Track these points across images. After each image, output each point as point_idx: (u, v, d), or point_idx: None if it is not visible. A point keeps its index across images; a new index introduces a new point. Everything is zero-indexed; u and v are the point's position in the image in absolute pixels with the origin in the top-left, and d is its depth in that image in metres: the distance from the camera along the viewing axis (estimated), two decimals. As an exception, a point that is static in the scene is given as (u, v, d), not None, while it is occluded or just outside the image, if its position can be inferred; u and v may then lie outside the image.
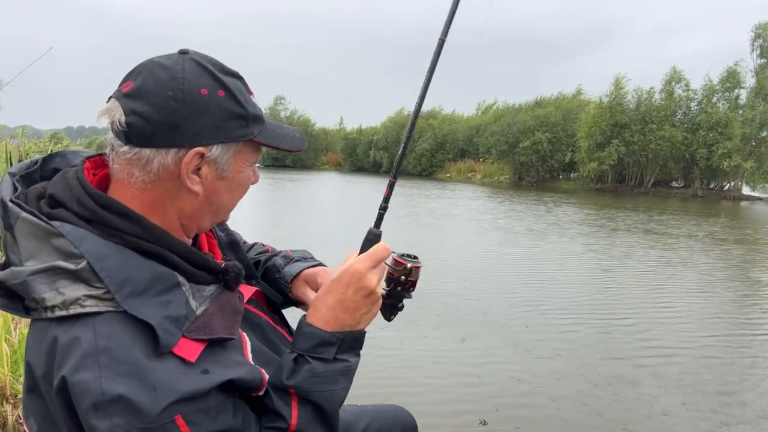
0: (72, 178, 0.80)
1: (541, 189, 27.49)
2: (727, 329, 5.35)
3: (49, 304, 0.71)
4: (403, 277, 0.96)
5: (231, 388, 0.75)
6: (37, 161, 0.86)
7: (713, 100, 28.14)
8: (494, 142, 33.25)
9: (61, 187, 0.79)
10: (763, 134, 26.56)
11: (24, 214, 0.74)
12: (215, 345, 0.76)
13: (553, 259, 8.73)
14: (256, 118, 0.85)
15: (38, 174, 0.85)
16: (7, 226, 0.76)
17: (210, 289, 0.82)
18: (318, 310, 0.87)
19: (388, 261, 0.94)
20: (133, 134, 0.77)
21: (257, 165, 0.93)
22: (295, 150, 0.91)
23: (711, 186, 28.93)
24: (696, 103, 28.88)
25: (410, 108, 1.08)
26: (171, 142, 0.78)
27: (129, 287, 0.72)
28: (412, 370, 3.93)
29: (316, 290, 1.05)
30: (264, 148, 0.89)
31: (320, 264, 1.15)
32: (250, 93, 0.86)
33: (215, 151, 0.80)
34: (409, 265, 0.96)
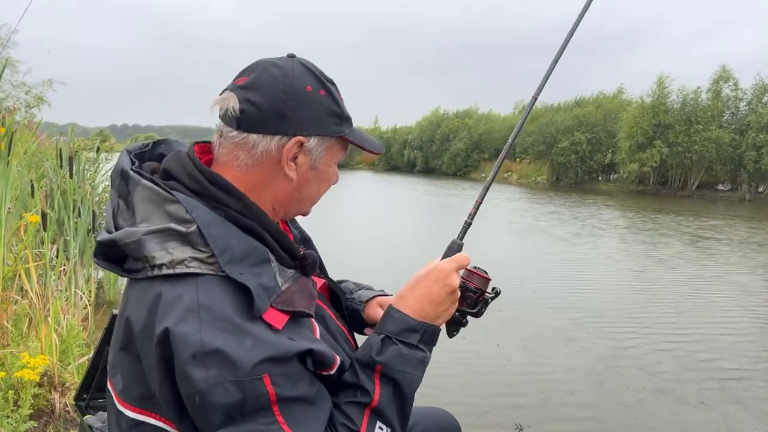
0: (184, 156, 0.90)
1: (580, 191, 26.93)
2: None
3: (157, 262, 0.78)
4: (475, 286, 1.04)
5: (307, 361, 0.81)
6: (148, 144, 0.97)
7: (764, 100, 26.99)
8: (531, 142, 32.74)
9: (174, 163, 0.89)
10: (818, 136, 25.30)
11: (144, 181, 0.84)
12: (295, 320, 0.83)
13: (598, 266, 8.52)
14: (348, 119, 0.96)
15: (148, 156, 0.96)
16: (122, 193, 0.85)
17: (291, 272, 0.89)
18: (405, 300, 0.95)
19: (462, 273, 1.04)
20: (244, 120, 0.87)
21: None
22: (377, 152, 1.01)
23: (760, 190, 27.77)
24: (745, 104, 27.75)
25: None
26: (277, 130, 0.87)
27: (229, 254, 0.79)
28: (450, 377, 3.89)
29: None
30: (348, 150, 0.99)
31: (389, 294, 1.24)
32: (342, 98, 0.96)
33: (312, 142, 0.90)
34: (487, 277, 1.06)
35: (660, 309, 5.98)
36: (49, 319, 2.76)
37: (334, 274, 1.18)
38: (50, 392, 2.61)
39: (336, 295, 1.14)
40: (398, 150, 46.61)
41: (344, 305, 1.17)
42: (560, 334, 4.92)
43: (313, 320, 0.89)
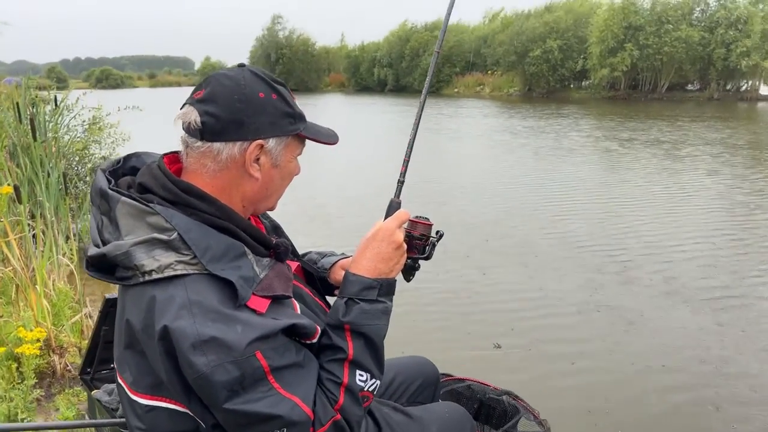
0: (156, 170, 0.98)
1: (552, 100, 26.86)
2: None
3: (147, 269, 0.87)
4: (419, 233, 1.16)
5: (292, 333, 0.93)
6: (119, 160, 1.05)
7: (733, -6, 26.66)
8: (503, 53, 32.14)
9: (148, 177, 0.97)
10: (785, 29, 25.31)
11: (123, 198, 0.92)
12: (277, 302, 0.94)
13: (569, 180, 8.71)
14: (301, 116, 1.04)
15: (121, 171, 1.03)
16: (105, 210, 0.93)
17: (266, 260, 0.99)
18: (359, 263, 1.06)
19: (406, 225, 1.15)
20: (206, 131, 0.95)
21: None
22: (332, 143, 1.10)
23: (727, 87, 28.04)
24: (715, -1, 27.41)
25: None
26: (237, 136, 0.96)
27: (210, 254, 0.88)
28: (428, 306, 4.08)
29: None
30: (306, 142, 1.07)
31: (350, 256, 1.32)
32: (293, 98, 1.05)
33: (271, 143, 0.99)
34: (428, 223, 1.17)
35: (623, 220, 6.27)
36: (37, 286, 2.80)
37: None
38: (49, 354, 2.71)
39: (310, 273, 1.28)
40: (367, 69, 45.39)
41: (309, 269, 1.29)
42: (536, 252, 5.14)
43: (293, 300, 1.00)
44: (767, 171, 9.03)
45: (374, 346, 1.01)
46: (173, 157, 1.05)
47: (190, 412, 0.91)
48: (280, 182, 1.05)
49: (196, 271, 0.87)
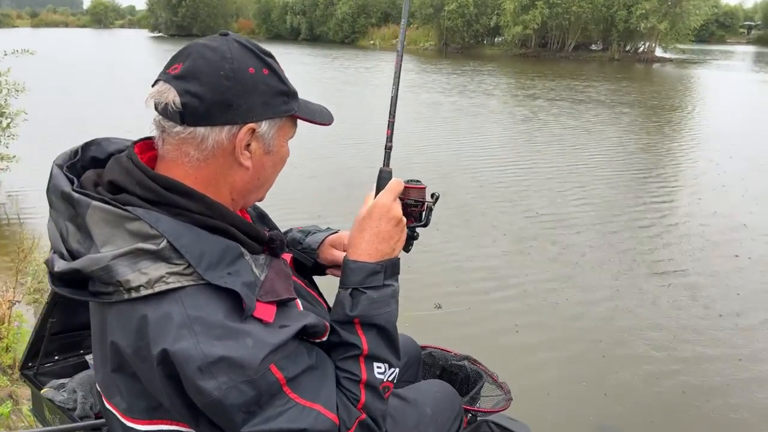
0: (127, 163, 0.83)
1: (468, 56, 27.20)
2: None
3: (133, 285, 0.74)
4: (414, 199, 1.06)
5: (301, 335, 0.84)
6: (77, 151, 0.88)
7: (636, -43, 27.93)
8: (419, 5, 31.83)
9: (119, 174, 0.82)
10: (679, -6, 27.02)
11: (95, 203, 0.77)
12: (281, 305, 0.83)
13: (497, 140, 8.93)
14: (295, 94, 0.91)
15: (80, 164, 0.87)
16: (70, 216, 0.78)
17: (262, 258, 0.88)
18: (358, 247, 0.96)
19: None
20: (188, 114, 0.80)
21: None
22: (328, 124, 0.98)
23: (627, 49, 29.72)
24: (619, -39, 28.58)
25: None
26: (225, 120, 0.82)
27: (206, 261, 0.77)
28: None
29: (344, 250, 1.14)
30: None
31: (337, 231, 1.24)
32: (283, 71, 0.92)
33: (264, 126, 0.86)
34: (422, 186, 1.07)
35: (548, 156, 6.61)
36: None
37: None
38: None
39: (299, 262, 1.17)
40: (279, 16, 43.42)
41: (300, 257, 1.19)
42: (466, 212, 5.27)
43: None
44: (653, 125, 9.80)
45: (388, 335, 0.94)
46: (145, 144, 0.89)
47: None
48: (272, 170, 0.93)
49: (192, 282, 0.76)
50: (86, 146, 0.89)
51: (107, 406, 0.86)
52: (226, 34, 0.87)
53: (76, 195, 0.78)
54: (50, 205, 0.82)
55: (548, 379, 2.85)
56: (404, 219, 1.00)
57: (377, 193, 1.01)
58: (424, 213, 1.07)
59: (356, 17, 37.61)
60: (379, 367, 0.92)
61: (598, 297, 3.70)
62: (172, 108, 0.80)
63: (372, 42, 35.85)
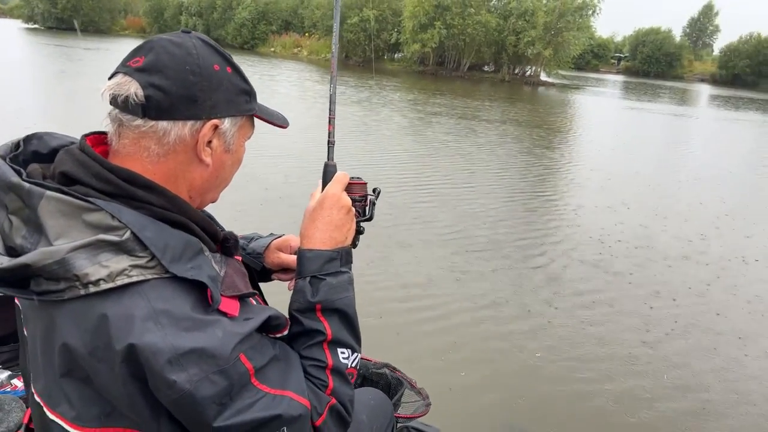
0: (80, 155, 0.80)
1: (368, 69, 27.64)
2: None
3: (92, 278, 0.71)
4: (359, 195, 1.09)
5: (263, 329, 0.85)
6: (18, 144, 0.85)
7: (523, -12, 30.10)
8: (321, 16, 31.98)
9: (71, 165, 0.79)
10: (560, 25, 29.43)
11: (50, 192, 0.73)
12: (242, 299, 0.85)
13: (381, 143, 9.13)
14: (255, 95, 0.93)
15: (22, 157, 0.84)
16: (15, 209, 0.75)
17: (218, 256, 0.89)
18: (312, 237, 0.99)
19: None
20: (151, 107, 0.79)
21: None
22: (285, 126, 1.00)
23: (516, 71, 31.86)
24: (508, -10, 30.65)
25: None
26: (189, 115, 0.82)
27: (170, 253, 0.76)
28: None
29: (291, 253, 1.19)
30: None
31: (281, 235, 1.25)
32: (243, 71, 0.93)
33: (226, 124, 0.87)
34: (363, 182, 1.10)
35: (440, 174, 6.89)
36: None
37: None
38: None
39: (246, 265, 1.14)
40: (173, 16, 41.54)
41: (248, 260, 1.19)
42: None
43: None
44: (540, 141, 10.62)
45: (349, 320, 0.96)
46: (95, 138, 0.86)
47: None
48: (230, 169, 0.93)
49: (156, 275, 0.74)
50: (28, 139, 0.86)
51: (50, 416, 0.80)
52: (188, 32, 0.87)
53: (26, 185, 0.74)
54: None
55: (463, 384, 2.96)
56: (353, 209, 1.03)
57: (324, 186, 1.04)
58: (368, 208, 1.10)
59: (256, 23, 36.94)
60: (343, 353, 0.93)
61: (504, 301, 3.91)
62: (134, 100, 0.79)
63: (272, 49, 35.34)
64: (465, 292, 4.04)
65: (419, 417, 1.98)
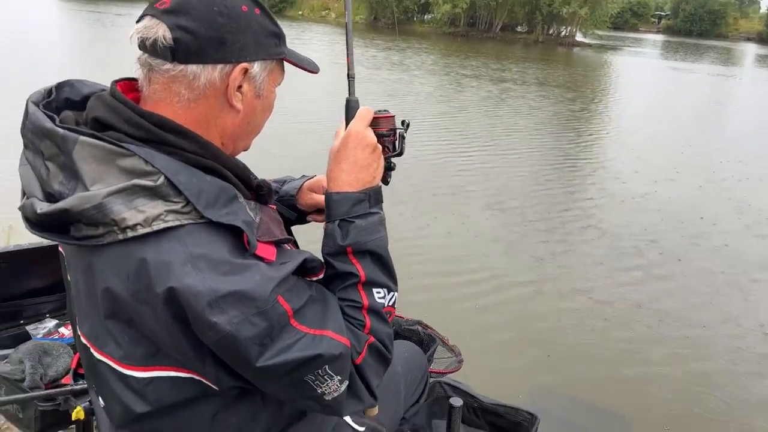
0: (111, 101, 0.79)
1: (400, 32, 27.15)
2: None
3: (130, 223, 0.71)
4: (386, 129, 1.03)
5: (299, 272, 0.84)
6: (51, 91, 0.83)
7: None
8: (349, -23, 31.28)
9: (104, 111, 0.78)
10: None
11: (84, 137, 0.73)
12: (278, 246, 0.84)
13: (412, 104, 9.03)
14: (284, 38, 0.90)
15: (54, 104, 0.82)
16: (51, 155, 0.74)
17: (252, 203, 0.87)
18: (338, 179, 0.95)
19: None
20: (180, 50, 0.77)
21: None
22: (316, 72, 0.96)
23: (550, 32, 30.81)
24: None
25: None
26: (218, 58, 0.79)
27: (204, 198, 0.75)
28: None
29: (323, 194, 1.14)
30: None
31: (313, 176, 1.23)
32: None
33: (256, 67, 0.84)
34: (390, 114, 1.04)
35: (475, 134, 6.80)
36: None
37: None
38: None
39: (281, 214, 1.13)
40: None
41: (282, 210, 1.18)
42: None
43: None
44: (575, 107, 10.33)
45: (382, 260, 0.94)
46: (128, 84, 0.85)
47: (198, 377, 0.79)
48: (261, 116, 0.90)
49: (191, 221, 0.74)
50: (60, 86, 0.84)
51: (98, 356, 0.82)
52: None
53: (61, 131, 0.73)
54: (25, 146, 0.78)
55: (493, 342, 2.98)
56: (380, 146, 0.99)
57: (347, 123, 0.99)
58: (397, 142, 1.04)
59: (285, -14, 36.47)
60: (378, 293, 0.92)
61: (543, 264, 3.88)
62: (162, 44, 0.76)
63: (300, 12, 34.92)
64: (505, 261, 4.03)
65: (452, 373, 2.00)
